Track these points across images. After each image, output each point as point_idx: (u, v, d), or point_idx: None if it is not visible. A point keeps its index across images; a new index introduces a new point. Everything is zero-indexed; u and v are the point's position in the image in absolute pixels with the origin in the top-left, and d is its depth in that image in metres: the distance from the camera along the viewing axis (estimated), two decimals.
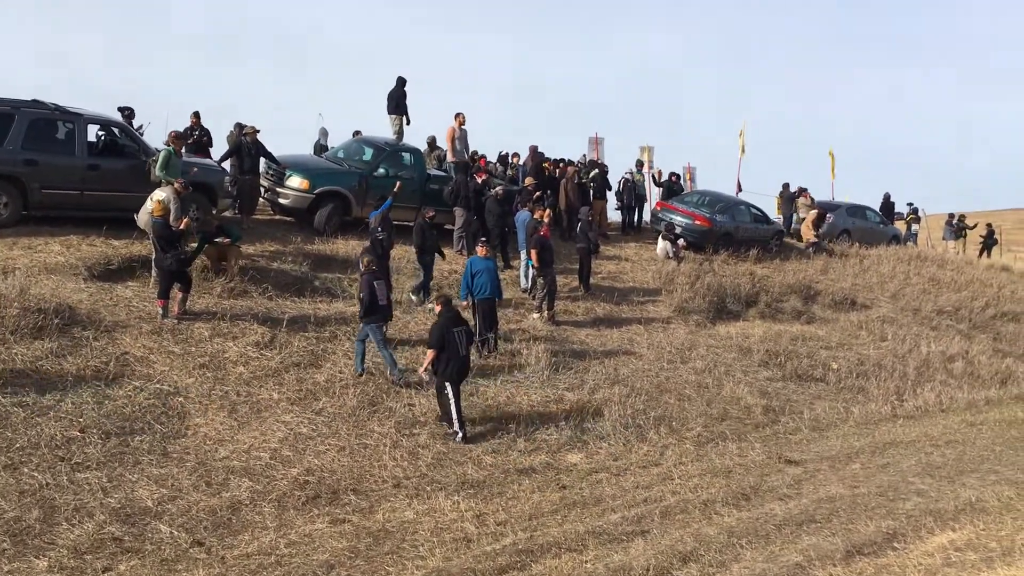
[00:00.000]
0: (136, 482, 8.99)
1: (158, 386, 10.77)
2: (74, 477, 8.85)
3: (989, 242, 30.70)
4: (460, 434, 11.06)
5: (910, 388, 15.85)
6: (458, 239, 17.63)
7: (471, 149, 19.99)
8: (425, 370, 11.35)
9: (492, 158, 22.33)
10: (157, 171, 13.58)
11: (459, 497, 9.66)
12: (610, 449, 11.58)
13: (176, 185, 12.97)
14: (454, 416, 11.13)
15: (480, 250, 14.16)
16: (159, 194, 12.78)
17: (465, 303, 13.71)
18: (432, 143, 20.92)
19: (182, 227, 12.34)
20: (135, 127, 17.47)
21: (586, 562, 7.89)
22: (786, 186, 26.59)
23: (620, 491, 10.21)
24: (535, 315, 15.37)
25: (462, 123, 19.11)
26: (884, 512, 9.26)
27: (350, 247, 16.44)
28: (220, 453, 9.84)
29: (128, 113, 17.79)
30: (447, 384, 11.13)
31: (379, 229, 14.27)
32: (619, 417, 12.30)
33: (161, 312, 12.22)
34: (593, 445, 11.63)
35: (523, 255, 16.82)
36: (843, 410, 14.34)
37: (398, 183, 16.22)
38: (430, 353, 11.18)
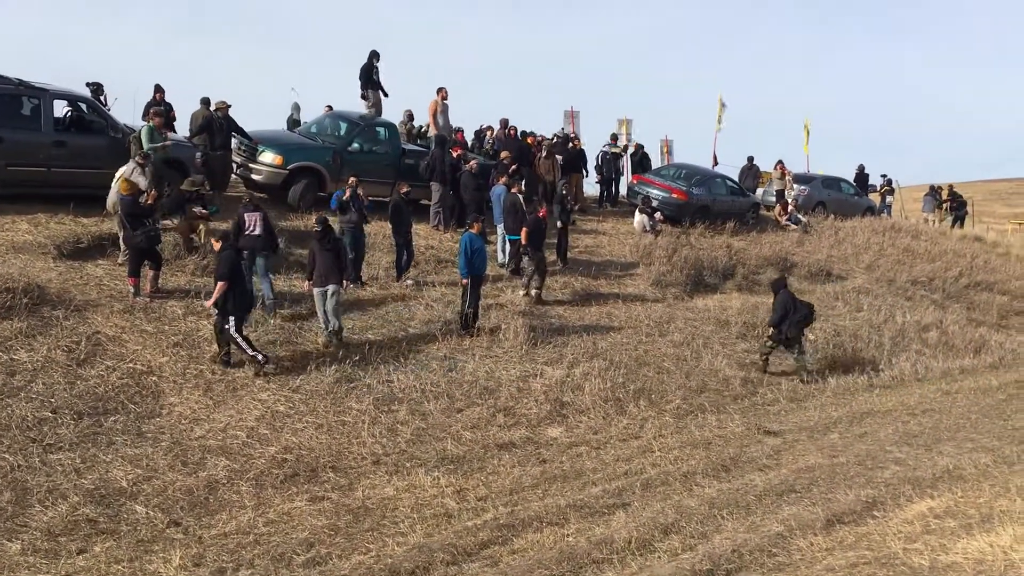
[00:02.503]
0: (110, 463, 8.85)
1: (131, 365, 10.60)
2: (47, 458, 8.70)
3: (960, 213, 30.96)
4: (263, 358, 10.98)
5: (886, 358, 15.95)
6: (434, 214, 17.47)
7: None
8: (214, 303, 10.91)
9: (468, 134, 22.17)
10: (146, 147, 13.27)
11: (439, 473, 9.60)
12: (590, 423, 11.56)
13: (137, 158, 12.67)
14: (245, 346, 10.94)
15: (476, 227, 13.98)
16: (123, 170, 12.53)
17: (466, 280, 13.53)
18: (411, 117, 20.68)
19: (150, 202, 12.09)
20: (103, 103, 17.14)
21: (568, 535, 7.85)
22: (750, 159, 26.61)
23: (601, 464, 10.19)
24: (521, 292, 15.21)
25: (444, 97, 18.93)
26: (863, 481, 9.29)
27: None
28: (196, 432, 9.70)
29: (95, 88, 17.43)
30: (230, 317, 10.83)
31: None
32: (598, 391, 12.27)
33: (132, 290, 12.02)
34: (573, 419, 11.60)
35: (499, 229, 16.70)
36: (820, 381, 14.39)
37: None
38: (220, 285, 10.75)
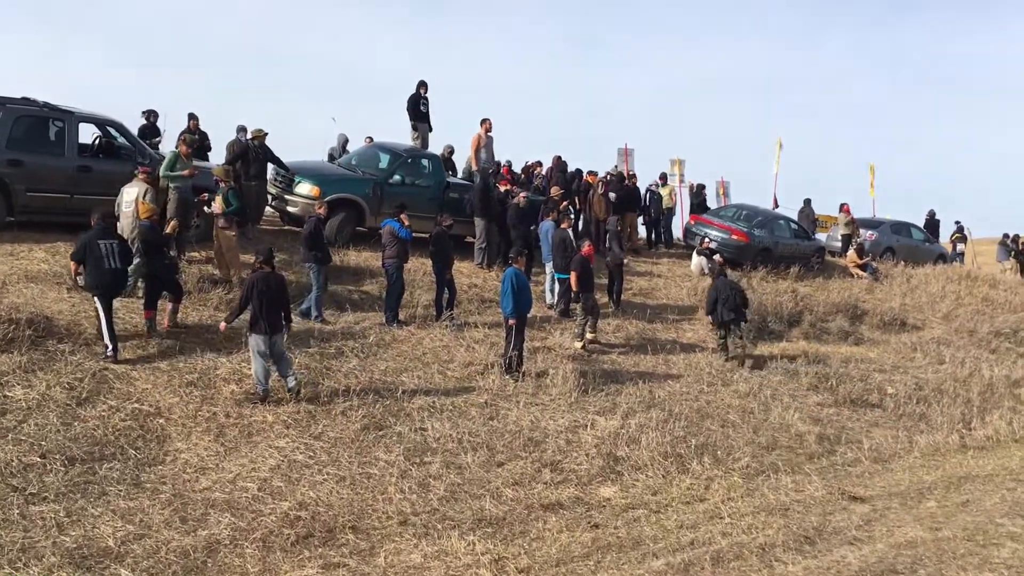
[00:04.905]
0: (99, 517, 7.72)
1: (137, 406, 9.54)
2: (27, 511, 7.60)
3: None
4: (110, 348, 10.21)
5: (976, 415, 14.33)
6: (479, 251, 16.41)
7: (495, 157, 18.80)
8: (74, 280, 10.77)
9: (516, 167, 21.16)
10: (162, 172, 12.54)
11: (475, 537, 8.32)
12: (648, 481, 10.18)
13: (140, 176, 11.74)
14: (104, 332, 10.27)
15: (520, 262, 12.85)
16: (130, 191, 11.60)
17: (512, 320, 12.37)
18: (451, 151, 19.76)
19: (168, 231, 11.16)
20: (160, 131, 16.56)
21: None
22: (807, 201, 25.38)
23: (662, 531, 8.83)
24: (577, 344, 13.93)
25: (488, 129, 18.00)
26: (978, 561, 7.85)
27: (363, 258, 15.29)
28: (201, 483, 8.56)
29: (149, 114, 16.80)
30: (95, 299, 10.30)
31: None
32: (657, 445, 10.92)
33: (148, 324, 11.05)
34: (628, 477, 10.24)
35: (548, 268, 15.57)
36: (906, 439, 12.82)
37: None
38: (72, 264, 10.54)
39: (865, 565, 7.79)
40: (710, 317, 15.26)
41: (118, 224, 11.55)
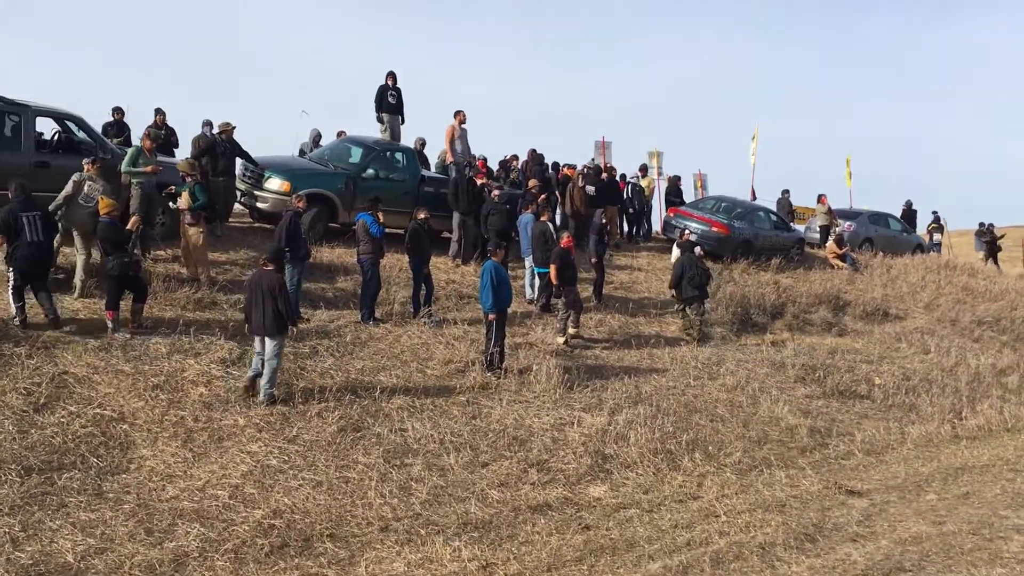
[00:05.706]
0: (57, 530, 7.19)
1: (99, 411, 8.99)
2: None
3: (994, 248, 29.13)
4: (14, 311, 10.15)
5: (966, 405, 14.09)
6: (455, 246, 15.97)
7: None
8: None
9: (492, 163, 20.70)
10: (124, 168, 12.05)
11: (460, 542, 7.88)
12: (639, 479, 9.79)
13: (88, 169, 11.20)
14: (10, 298, 10.19)
15: (499, 255, 12.37)
16: (92, 186, 11.02)
17: (493, 315, 11.89)
18: (423, 144, 19.27)
19: (130, 226, 10.62)
20: (126, 127, 16.00)
21: None
22: (784, 192, 25.18)
23: (656, 532, 8.43)
24: (560, 339, 13.51)
25: (462, 121, 17.56)
26: (987, 556, 7.53)
27: (335, 255, 14.80)
28: (168, 492, 8.04)
29: (115, 111, 16.21)
30: (11, 271, 10.07)
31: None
32: (646, 441, 10.53)
33: (111, 325, 10.50)
34: (618, 475, 9.84)
35: (527, 262, 15.15)
36: (898, 431, 12.56)
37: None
38: None
39: (871, 563, 7.45)
40: (675, 290, 15.46)
41: (60, 213, 11.10)
